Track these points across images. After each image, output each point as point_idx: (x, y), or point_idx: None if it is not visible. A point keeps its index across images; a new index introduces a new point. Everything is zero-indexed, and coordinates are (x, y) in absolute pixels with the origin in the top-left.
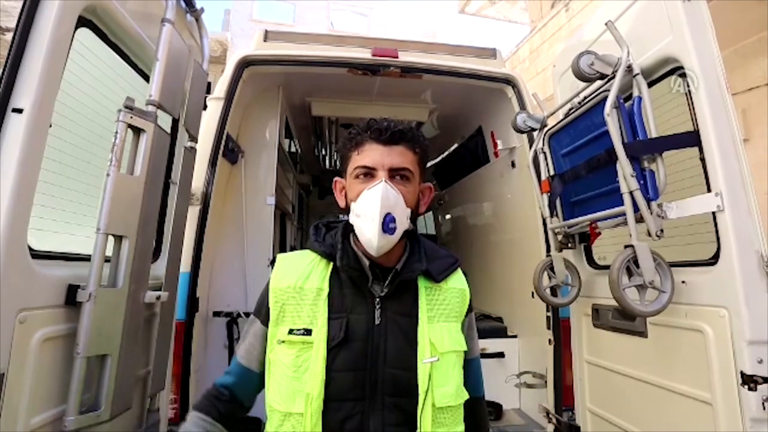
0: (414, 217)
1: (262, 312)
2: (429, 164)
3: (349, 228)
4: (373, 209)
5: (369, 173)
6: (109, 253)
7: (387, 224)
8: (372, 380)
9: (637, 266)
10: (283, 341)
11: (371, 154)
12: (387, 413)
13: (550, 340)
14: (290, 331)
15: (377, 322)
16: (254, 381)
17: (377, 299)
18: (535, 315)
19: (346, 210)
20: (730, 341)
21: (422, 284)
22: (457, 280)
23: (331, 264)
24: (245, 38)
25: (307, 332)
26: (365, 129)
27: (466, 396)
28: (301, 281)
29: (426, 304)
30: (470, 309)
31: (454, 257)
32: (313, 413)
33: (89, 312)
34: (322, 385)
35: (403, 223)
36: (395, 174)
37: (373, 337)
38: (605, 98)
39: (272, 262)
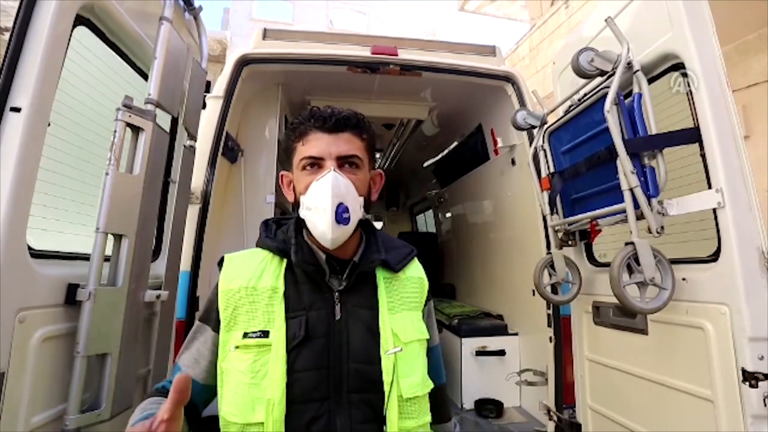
0: (367, 206)
1: (212, 317)
2: (429, 162)
3: (301, 222)
4: (324, 200)
5: (316, 163)
6: (108, 252)
7: (340, 214)
8: (336, 377)
9: (638, 263)
10: (238, 347)
11: (317, 143)
12: (354, 410)
13: (550, 338)
14: (245, 335)
15: (338, 317)
16: (201, 393)
17: (336, 293)
18: (535, 313)
19: (296, 204)
20: (731, 338)
21: (381, 275)
22: (415, 269)
23: (285, 260)
24: (244, 37)
25: (264, 334)
26: (308, 118)
27: (432, 385)
28: (253, 281)
29: (386, 295)
30: (429, 297)
31: (410, 246)
32: (275, 421)
33: (89, 311)
34: (283, 389)
35: (356, 212)
36: (344, 162)
37: (334, 332)
38: (605, 95)
39: (220, 263)
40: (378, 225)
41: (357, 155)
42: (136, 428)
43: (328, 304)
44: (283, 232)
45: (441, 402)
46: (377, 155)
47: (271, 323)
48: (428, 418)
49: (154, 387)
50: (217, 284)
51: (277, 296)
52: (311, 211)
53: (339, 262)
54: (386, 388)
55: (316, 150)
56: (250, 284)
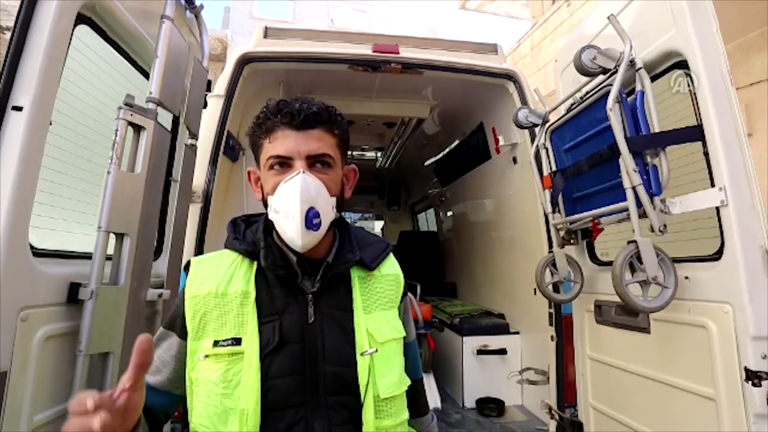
0: (340, 205)
1: (177, 324)
2: (430, 161)
3: (270, 223)
4: (293, 205)
5: (285, 163)
6: (110, 251)
7: (310, 220)
8: (313, 382)
9: (640, 262)
10: (208, 356)
11: (285, 141)
12: (332, 413)
13: (552, 337)
14: (215, 343)
15: (311, 320)
16: (164, 403)
17: (309, 296)
18: (537, 311)
19: (264, 203)
20: (734, 337)
21: (355, 274)
22: (391, 266)
23: (255, 263)
24: (245, 36)
25: (236, 342)
26: (275, 112)
27: (409, 382)
28: (223, 286)
29: (361, 295)
30: (405, 293)
31: (386, 242)
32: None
33: (91, 310)
34: (257, 398)
35: (328, 215)
36: (314, 161)
37: (309, 336)
38: (607, 93)
39: (186, 267)
40: (379, 224)
41: (328, 153)
42: (86, 396)
43: (302, 307)
44: (252, 232)
45: (418, 396)
46: (379, 154)
47: (243, 330)
48: (406, 415)
49: None
50: (183, 290)
51: (248, 301)
52: (279, 214)
53: (311, 263)
54: (362, 389)
55: (284, 149)
56: (220, 290)
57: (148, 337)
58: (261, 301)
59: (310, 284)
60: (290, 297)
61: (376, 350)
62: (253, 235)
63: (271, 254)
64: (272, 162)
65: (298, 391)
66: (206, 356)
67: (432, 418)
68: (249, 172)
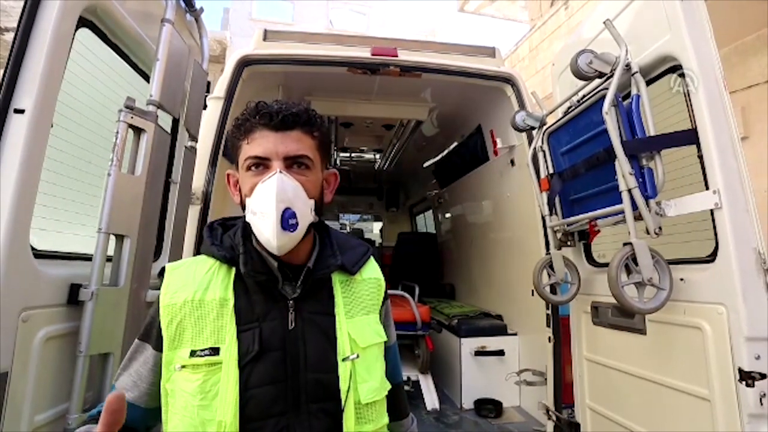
0: (319, 209)
1: (153, 335)
2: (428, 163)
3: (248, 227)
4: (268, 205)
5: (262, 164)
6: (110, 252)
7: (286, 220)
8: (294, 390)
9: (636, 264)
10: (184, 366)
11: (262, 142)
12: (314, 421)
13: (549, 338)
14: (192, 353)
15: (291, 326)
16: (143, 419)
17: (290, 302)
18: (534, 313)
19: (242, 206)
20: (728, 338)
21: (337, 278)
22: (372, 270)
23: (234, 269)
24: (244, 37)
25: (214, 351)
26: (254, 113)
27: (389, 386)
28: (199, 293)
29: (343, 299)
30: (386, 297)
31: (366, 245)
32: None
33: (91, 311)
34: (236, 409)
35: (305, 217)
36: (292, 163)
37: (290, 343)
38: (604, 96)
39: (161, 273)
40: (377, 225)
41: (307, 155)
42: None
43: (282, 314)
44: (230, 237)
45: (398, 400)
46: (378, 156)
47: (221, 339)
48: (386, 420)
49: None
50: (158, 298)
51: (226, 309)
52: (256, 215)
53: (292, 269)
54: (342, 395)
55: (262, 149)
56: (196, 297)
57: (120, 395)
58: (240, 308)
59: (291, 290)
60: (270, 303)
61: (358, 356)
62: (231, 240)
63: (250, 260)
64: (250, 163)
65: (279, 400)
66: (183, 366)
67: (412, 421)
68: (228, 175)
